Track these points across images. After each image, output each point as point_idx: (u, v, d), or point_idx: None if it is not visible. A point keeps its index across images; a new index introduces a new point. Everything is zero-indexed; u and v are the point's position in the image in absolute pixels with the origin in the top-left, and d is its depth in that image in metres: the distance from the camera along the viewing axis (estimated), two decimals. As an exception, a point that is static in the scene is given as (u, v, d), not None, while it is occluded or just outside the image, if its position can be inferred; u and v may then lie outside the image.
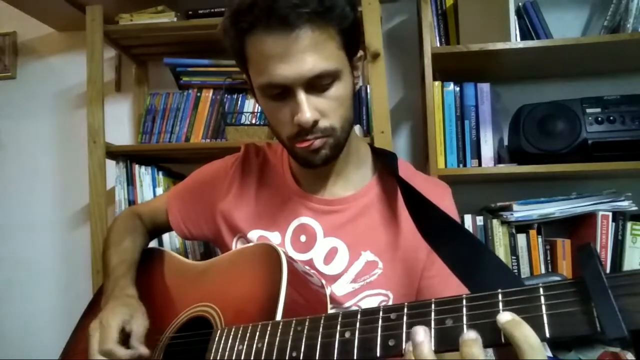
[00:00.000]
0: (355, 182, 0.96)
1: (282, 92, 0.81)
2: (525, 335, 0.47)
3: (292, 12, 0.74)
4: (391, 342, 0.54)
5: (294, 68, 0.77)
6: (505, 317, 0.49)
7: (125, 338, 0.81)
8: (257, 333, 0.68)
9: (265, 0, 0.75)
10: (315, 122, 0.81)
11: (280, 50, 0.76)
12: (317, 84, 0.80)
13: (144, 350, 0.81)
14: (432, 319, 0.52)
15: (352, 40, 0.83)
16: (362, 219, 0.93)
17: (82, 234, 1.98)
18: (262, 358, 0.64)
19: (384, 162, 0.98)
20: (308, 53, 0.76)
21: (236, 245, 0.99)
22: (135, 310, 0.85)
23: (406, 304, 0.56)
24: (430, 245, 0.81)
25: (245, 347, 0.68)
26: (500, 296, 0.50)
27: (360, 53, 0.89)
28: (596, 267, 0.46)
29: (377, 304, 0.89)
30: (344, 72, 0.82)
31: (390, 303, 0.89)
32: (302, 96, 0.79)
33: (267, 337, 0.66)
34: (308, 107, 0.79)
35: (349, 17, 0.81)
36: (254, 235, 0.96)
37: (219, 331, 0.75)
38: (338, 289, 0.89)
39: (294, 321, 0.65)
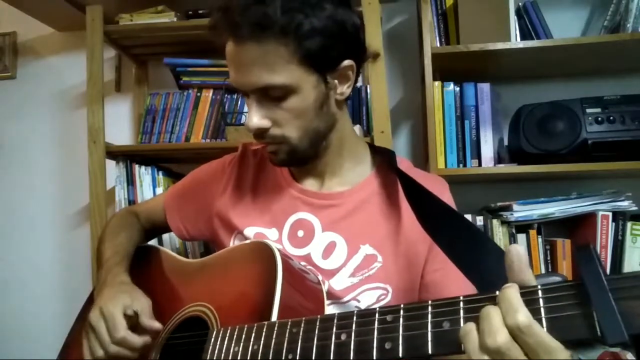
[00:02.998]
0: (352, 179, 0.96)
1: (244, 93, 0.86)
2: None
3: (242, 25, 0.77)
4: (387, 345, 0.53)
5: (241, 77, 0.82)
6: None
7: (132, 325, 0.81)
8: (253, 334, 0.67)
9: (229, 8, 0.79)
10: (265, 129, 0.85)
11: (233, 57, 0.82)
12: (269, 94, 0.82)
13: (157, 325, 0.82)
14: (429, 321, 0.52)
15: (322, 54, 0.81)
16: (360, 212, 0.93)
17: (82, 234, 1.98)
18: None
19: (383, 158, 0.99)
20: (253, 66, 0.80)
21: (234, 243, 0.99)
22: (132, 292, 0.86)
23: (402, 305, 0.56)
24: (430, 235, 0.81)
25: (240, 348, 0.68)
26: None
27: (347, 63, 0.85)
28: (596, 269, 0.45)
29: (376, 298, 0.89)
30: (301, 86, 0.82)
31: (389, 297, 0.89)
32: (251, 103, 0.84)
33: (262, 338, 0.66)
34: (255, 114, 0.84)
35: (311, 31, 0.78)
36: (251, 232, 0.96)
37: (214, 332, 0.75)
38: (337, 284, 0.89)
39: (289, 322, 0.64)
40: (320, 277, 0.87)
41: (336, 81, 0.87)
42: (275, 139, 0.86)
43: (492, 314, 0.48)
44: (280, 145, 0.87)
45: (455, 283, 0.86)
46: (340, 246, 0.91)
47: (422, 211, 0.85)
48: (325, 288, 0.85)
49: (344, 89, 0.89)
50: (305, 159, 0.92)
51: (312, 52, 0.80)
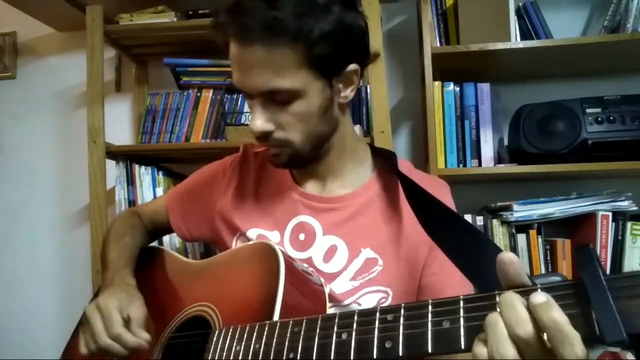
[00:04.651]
0: (353, 181, 0.96)
1: (248, 95, 0.84)
2: (556, 320, 0.44)
3: (249, 27, 0.76)
4: (388, 344, 0.53)
5: (246, 80, 0.81)
6: (539, 298, 0.45)
7: (125, 326, 0.80)
8: (255, 334, 0.68)
9: (238, 9, 0.78)
10: (269, 132, 0.84)
11: (238, 59, 0.81)
12: (274, 98, 0.81)
13: (146, 336, 0.80)
14: (429, 320, 0.52)
15: (330, 60, 0.81)
16: (361, 216, 0.93)
17: (82, 234, 1.98)
18: (260, 359, 0.64)
19: (383, 160, 0.99)
20: (260, 69, 0.79)
21: (236, 244, 0.99)
22: (133, 296, 0.85)
23: (403, 305, 0.56)
24: (431, 237, 0.81)
25: (242, 347, 0.68)
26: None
27: (352, 67, 0.85)
28: (595, 268, 0.45)
29: (376, 301, 0.89)
30: (308, 91, 0.81)
31: (390, 300, 0.89)
32: (256, 105, 0.83)
33: (264, 338, 0.66)
34: (260, 117, 0.83)
35: (321, 36, 0.78)
36: (253, 233, 0.96)
37: (216, 331, 0.75)
38: (337, 287, 0.89)
39: (291, 322, 0.65)
40: (322, 280, 0.87)
41: (341, 85, 0.86)
42: (279, 142, 0.86)
43: (516, 303, 0.46)
44: (283, 148, 0.87)
45: (451, 287, 0.86)
46: (341, 250, 0.91)
47: (424, 213, 0.84)
48: (327, 290, 0.85)
49: (348, 93, 0.88)
50: (306, 161, 0.92)
51: (321, 58, 0.79)
